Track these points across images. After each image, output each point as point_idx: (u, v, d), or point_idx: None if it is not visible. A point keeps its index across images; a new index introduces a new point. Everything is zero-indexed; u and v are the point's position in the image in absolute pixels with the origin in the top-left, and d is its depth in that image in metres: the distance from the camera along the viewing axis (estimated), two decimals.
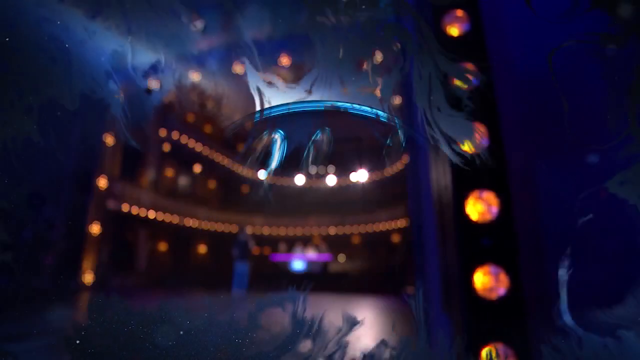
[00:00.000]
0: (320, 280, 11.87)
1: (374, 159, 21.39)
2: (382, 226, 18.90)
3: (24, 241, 7.97)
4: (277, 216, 20.28)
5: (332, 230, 20.28)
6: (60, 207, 9.39)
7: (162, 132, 14.90)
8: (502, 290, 1.77)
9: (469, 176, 1.95)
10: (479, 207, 1.91)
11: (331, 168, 22.68)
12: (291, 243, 15.33)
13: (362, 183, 21.91)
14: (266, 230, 20.00)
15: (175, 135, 15.30)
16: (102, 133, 10.53)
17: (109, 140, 10.72)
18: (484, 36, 2.19)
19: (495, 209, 1.88)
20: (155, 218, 13.52)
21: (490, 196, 1.90)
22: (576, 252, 1.96)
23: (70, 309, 6.40)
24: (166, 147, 15.45)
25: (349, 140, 24.10)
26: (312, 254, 13.38)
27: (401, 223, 17.56)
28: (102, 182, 10.39)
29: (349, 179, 22.42)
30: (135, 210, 12.35)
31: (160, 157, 15.17)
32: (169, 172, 16.40)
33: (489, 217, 1.89)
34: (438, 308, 2.15)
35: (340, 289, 10.28)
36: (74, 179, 9.78)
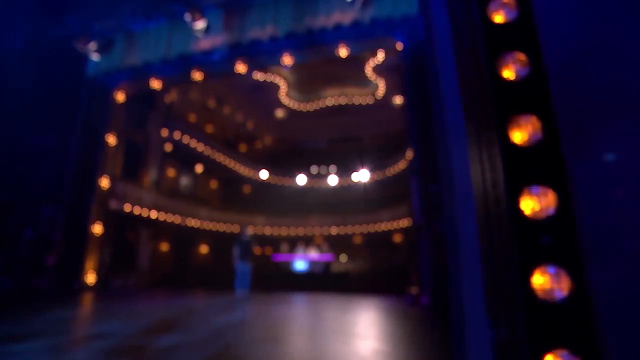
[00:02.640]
0: (322, 280, 11.84)
1: (375, 159, 21.39)
2: (384, 226, 18.89)
3: (26, 241, 7.92)
4: (278, 216, 20.31)
5: (334, 230, 20.29)
6: (62, 207, 9.38)
7: (164, 132, 14.91)
8: (564, 292, 1.68)
9: (524, 170, 1.86)
10: (535, 203, 1.81)
11: (332, 168, 22.70)
12: (293, 243, 15.30)
13: (364, 183, 21.91)
14: (268, 230, 20.02)
15: (177, 135, 15.29)
16: (104, 132, 10.52)
17: (111, 140, 10.72)
18: (535, 23, 2.05)
19: (553, 204, 1.79)
20: (157, 218, 13.52)
21: (547, 191, 1.82)
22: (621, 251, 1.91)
23: (74, 309, 6.40)
24: (168, 147, 15.46)
25: (351, 140, 24.09)
26: (313, 253, 13.34)
27: (403, 223, 17.52)
28: (104, 182, 10.39)
29: (350, 179, 22.44)
30: (137, 210, 12.35)
31: (162, 157, 15.17)
32: (171, 172, 16.40)
33: (546, 213, 1.78)
34: (481, 319, 2.00)
35: (342, 289, 10.26)
36: (76, 178, 9.76)
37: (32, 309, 5.95)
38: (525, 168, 1.87)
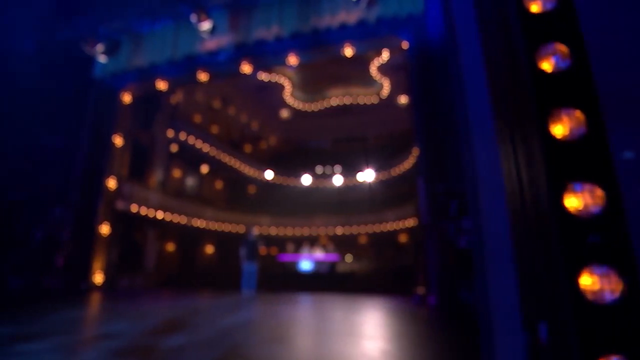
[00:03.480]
0: (327, 280, 11.82)
1: (380, 159, 21.32)
2: (390, 226, 18.81)
3: (36, 241, 7.99)
4: (284, 216, 20.34)
5: (339, 230, 20.25)
6: (70, 208, 9.47)
7: (170, 133, 15.00)
8: (615, 293, 1.55)
9: (567, 166, 1.76)
10: (579, 201, 1.70)
11: (337, 168, 22.67)
12: (298, 243, 15.31)
13: (369, 183, 21.85)
14: (273, 231, 20.04)
15: (182, 135, 15.38)
16: (111, 133, 10.60)
17: (118, 141, 10.80)
18: (576, 12, 1.94)
19: (600, 202, 1.71)
20: (163, 218, 13.60)
21: (594, 188, 1.70)
22: None
23: (82, 309, 6.46)
24: (174, 148, 15.56)
25: (356, 139, 24.02)
26: (319, 254, 13.33)
27: (408, 223, 17.43)
28: (111, 183, 10.47)
29: (355, 179, 22.39)
30: (143, 210, 12.43)
31: (167, 158, 15.27)
32: (177, 173, 16.50)
33: (593, 211, 1.67)
34: (511, 323, 1.87)
35: (348, 289, 10.22)
36: (84, 179, 9.85)
37: (42, 308, 6.01)
38: (569, 164, 1.78)
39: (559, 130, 1.84)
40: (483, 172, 2.16)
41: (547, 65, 1.94)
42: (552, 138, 1.83)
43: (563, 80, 1.90)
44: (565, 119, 1.84)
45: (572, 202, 1.73)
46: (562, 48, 1.94)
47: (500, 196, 2.06)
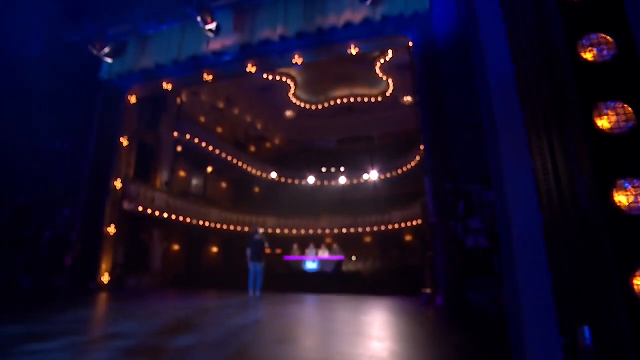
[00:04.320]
0: (333, 280, 11.80)
1: (385, 158, 21.25)
2: (395, 225, 18.73)
3: (46, 242, 8.07)
4: (289, 216, 20.35)
5: (345, 230, 20.21)
6: (78, 209, 9.56)
7: (175, 134, 15.09)
8: None
9: (615, 161, 1.65)
10: (629, 197, 1.58)
11: (342, 168, 22.62)
12: (304, 243, 15.31)
13: (374, 182, 21.79)
14: (278, 230, 20.06)
15: (187, 136, 15.45)
16: (118, 134, 10.67)
17: (124, 142, 10.86)
18: (622, 1, 1.82)
19: None
20: (168, 219, 13.67)
21: None
22: None
23: (91, 309, 6.51)
24: (179, 148, 15.65)
25: (360, 139, 23.95)
26: (324, 253, 13.31)
27: (414, 222, 17.34)
28: (118, 184, 10.54)
29: (360, 179, 22.35)
30: (149, 211, 12.49)
31: (173, 158, 15.35)
32: (182, 173, 16.57)
33: None
34: (547, 328, 1.77)
35: (354, 289, 10.20)
36: (92, 180, 9.93)
37: (52, 308, 6.06)
38: (617, 160, 1.66)
39: (604, 124, 1.74)
40: (510, 167, 2.05)
41: (589, 56, 1.84)
42: (598, 132, 1.73)
43: (607, 72, 1.80)
44: (610, 112, 1.75)
45: (622, 199, 1.63)
46: (606, 38, 1.85)
47: (530, 193, 1.95)
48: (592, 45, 1.86)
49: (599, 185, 1.65)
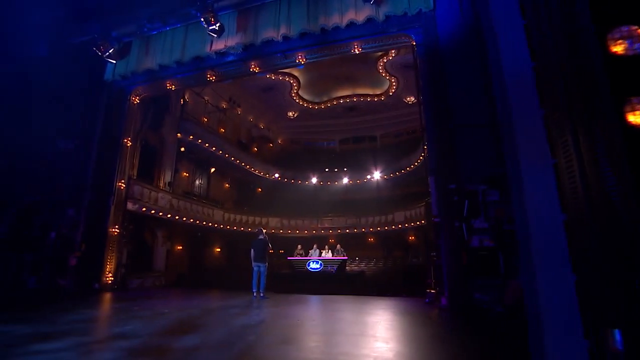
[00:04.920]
0: (336, 280, 11.76)
1: (388, 158, 21.19)
2: (398, 225, 18.65)
3: (51, 242, 8.11)
4: (292, 216, 20.33)
5: (348, 230, 20.15)
6: (82, 209, 9.59)
7: (178, 134, 15.12)
8: None
9: None
10: None
11: (345, 168, 22.58)
12: (307, 243, 15.29)
13: (377, 182, 21.73)
14: (281, 231, 20.04)
15: (190, 136, 15.47)
16: (122, 135, 10.69)
17: (128, 142, 10.88)
18: None
19: None
20: (172, 219, 13.69)
21: None
22: None
23: (96, 309, 6.53)
24: (182, 149, 15.68)
25: (363, 139, 23.89)
26: (327, 254, 13.28)
27: (418, 222, 17.26)
28: (122, 184, 10.56)
29: (363, 179, 22.29)
30: (152, 211, 12.51)
31: (176, 159, 15.38)
32: (185, 174, 16.61)
33: None
34: (570, 330, 1.71)
35: (357, 289, 10.16)
36: (96, 181, 9.96)
37: (57, 308, 6.08)
38: None
39: (636, 119, 1.66)
40: (527, 165, 1.96)
41: (619, 49, 1.76)
42: (631, 128, 1.63)
43: (638, 66, 1.70)
44: None
45: None
46: (637, 30, 1.77)
47: (550, 191, 1.87)
48: (622, 38, 1.78)
49: (632, 184, 1.56)
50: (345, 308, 6.52)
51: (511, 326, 4.50)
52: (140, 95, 11.34)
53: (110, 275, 9.76)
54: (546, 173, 1.92)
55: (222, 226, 17.04)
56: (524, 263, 2.04)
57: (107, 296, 8.31)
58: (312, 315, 5.87)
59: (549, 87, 2.04)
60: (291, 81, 18.80)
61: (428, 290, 7.24)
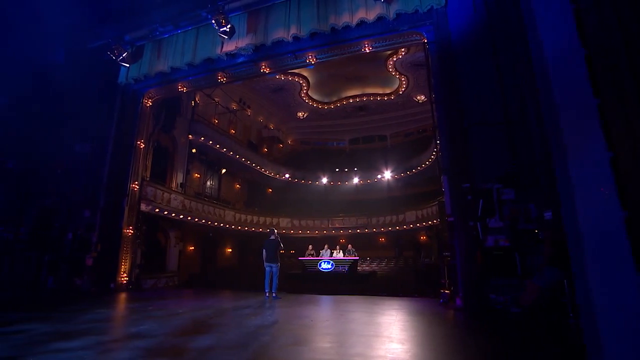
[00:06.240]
0: (348, 280, 11.71)
1: (399, 157, 21.01)
2: (410, 225, 18.47)
3: (68, 243, 8.30)
4: (303, 216, 20.34)
5: (359, 230, 20.06)
6: (98, 211, 9.78)
7: (190, 136, 15.29)
8: None
9: None
10: None
11: (356, 168, 22.49)
12: (318, 243, 15.27)
13: (388, 182, 21.57)
14: (292, 231, 20.08)
15: (202, 138, 15.63)
16: (135, 137, 10.87)
17: (141, 144, 11.05)
18: None
19: None
20: (184, 220, 13.85)
21: None
22: None
23: (112, 309, 6.64)
24: (193, 150, 15.85)
25: (374, 139, 23.73)
26: (339, 254, 13.23)
27: (429, 222, 17.05)
28: (135, 186, 10.72)
29: (374, 178, 22.15)
30: (165, 212, 12.68)
31: (188, 160, 15.56)
32: (197, 175, 16.78)
33: None
34: (633, 335, 1.57)
35: (369, 289, 10.09)
36: (110, 183, 10.16)
37: (75, 308, 6.21)
38: None
39: None
40: (578, 159, 1.82)
41: None
42: None
43: None
44: None
45: None
46: None
47: (607, 186, 1.73)
48: None
49: None
50: (358, 308, 6.47)
51: (531, 327, 4.39)
52: (153, 97, 11.50)
53: (125, 275, 9.92)
54: (601, 167, 1.79)
55: (233, 226, 17.16)
56: (575, 264, 1.91)
57: (122, 296, 8.45)
58: (325, 315, 5.85)
59: (608, 76, 1.88)
60: (301, 81, 18.81)
61: (442, 291, 7.13)
